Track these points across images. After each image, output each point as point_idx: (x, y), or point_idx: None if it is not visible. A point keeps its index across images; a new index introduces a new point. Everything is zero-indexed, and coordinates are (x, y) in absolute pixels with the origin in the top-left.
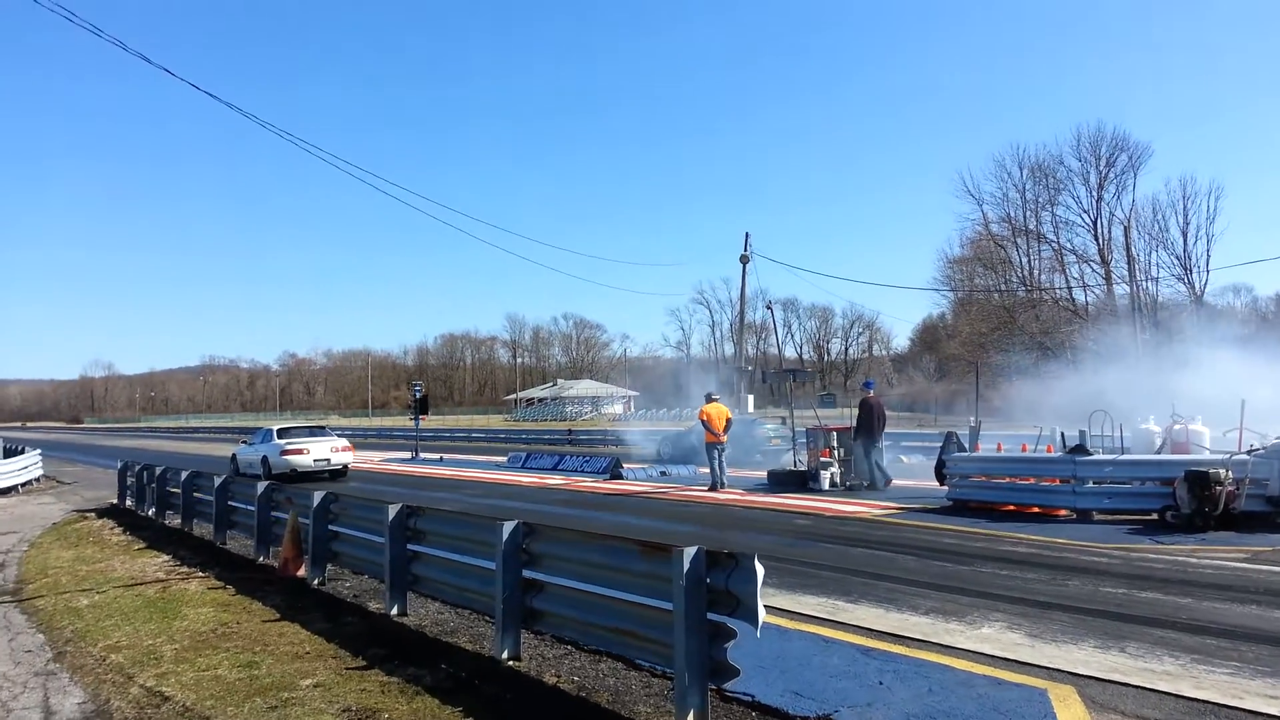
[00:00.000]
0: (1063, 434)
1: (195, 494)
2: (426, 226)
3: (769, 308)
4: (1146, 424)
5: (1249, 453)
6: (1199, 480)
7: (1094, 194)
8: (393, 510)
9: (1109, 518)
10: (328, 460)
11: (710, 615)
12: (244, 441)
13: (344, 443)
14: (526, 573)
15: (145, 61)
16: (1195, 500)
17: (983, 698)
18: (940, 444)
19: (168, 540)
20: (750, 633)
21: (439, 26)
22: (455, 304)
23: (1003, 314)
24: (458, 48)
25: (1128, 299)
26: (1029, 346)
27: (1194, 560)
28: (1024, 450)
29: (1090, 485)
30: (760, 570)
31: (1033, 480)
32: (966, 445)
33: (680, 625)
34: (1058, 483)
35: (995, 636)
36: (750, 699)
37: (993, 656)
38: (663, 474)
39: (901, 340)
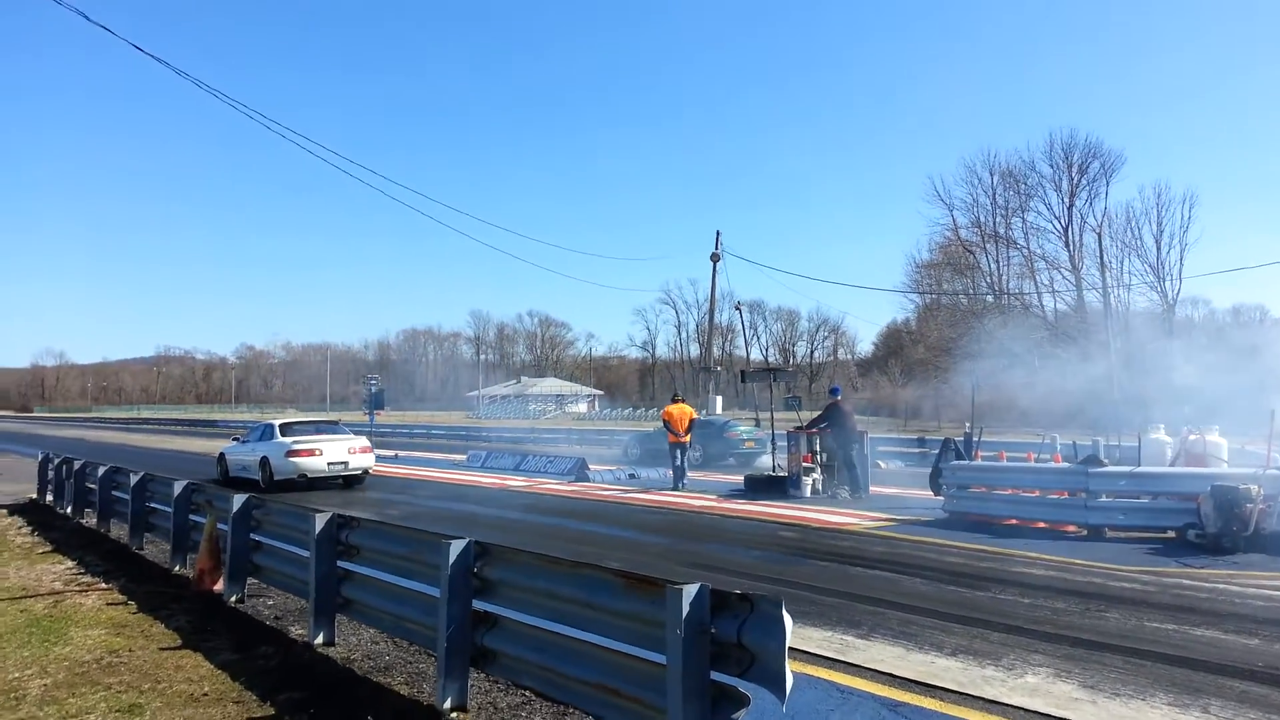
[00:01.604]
0: (1075, 443)
1: (113, 491)
2: (392, 215)
3: (738, 309)
4: (1156, 433)
5: None
6: (1228, 497)
7: (1066, 200)
8: (320, 520)
9: (1121, 535)
10: (345, 464)
11: (715, 675)
12: (234, 438)
13: (362, 441)
14: (478, 603)
15: (106, 31)
16: (1222, 519)
17: None
18: (937, 451)
19: (78, 543)
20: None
21: (410, 15)
22: (419, 299)
23: (971, 320)
24: (431, 37)
25: (1100, 306)
26: (997, 353)
27: (1236, 589)
28: (1029, 460)
29: (1103, 499)
30: (789, 622)
31: (1038, 493)
32: (964, 453)
33: (676, 686)
34: (1066, 495)
35: (1045, 688)
36: None
37: (1049, 716)
38: (631, 476)
39: (866, 345)
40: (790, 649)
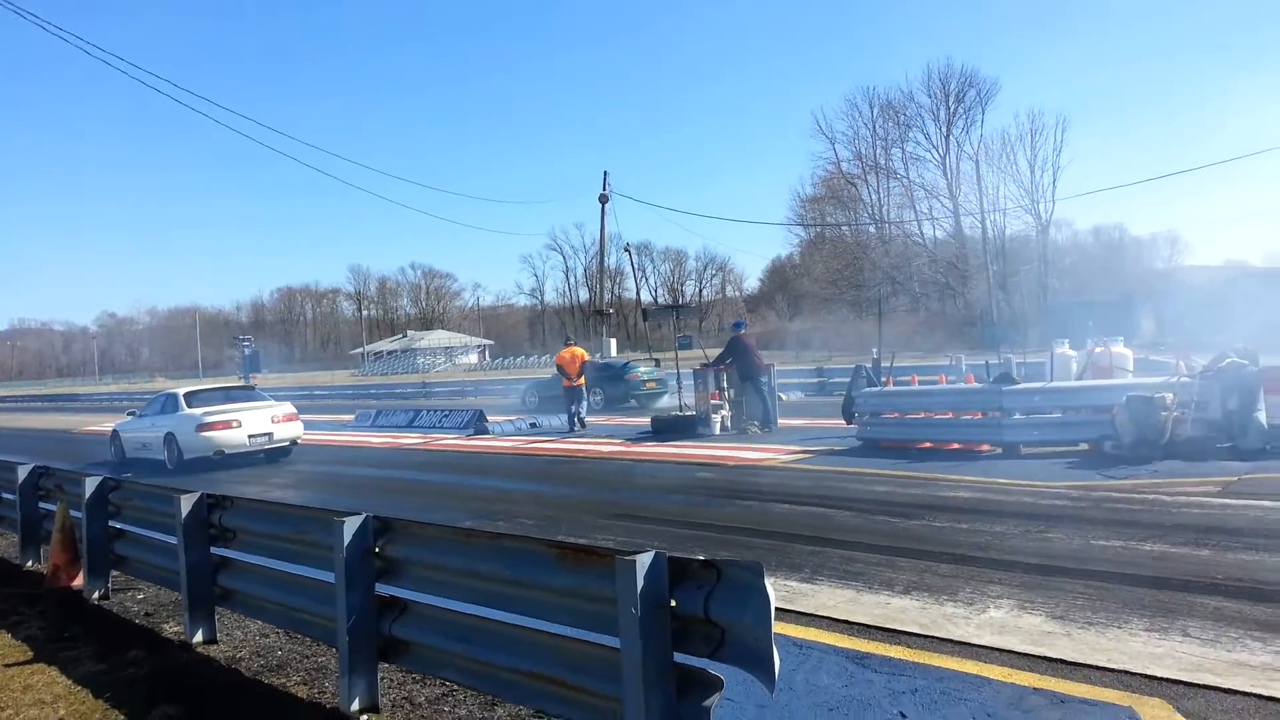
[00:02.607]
0: (988, 363)
1: None
2: (258, 165)
3: (627, 250)
4: (1060, 348)
5: (1195, 375)
6: (1143, 407)
7: (943, 130)
8: (186, 502)
9: (1036, 451)
10: (268, 435)
11: (679, 657)
12: (130, 413)
13: (285, 407)
14: (383, 588)
15: None
16: (1138, 429)
17: None
18: (848, 379)
19: None
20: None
21: None
22: (293, 256)
23: (855, 250)
24: None
25: (978, 233)
26: (880, 282)
27: (1167, 498)
28: (941, 382)
29: (1017, 417)
30: (771, 591)
31: (952, 414)
32: (875, 380)
33: (634, 672)
34: (980, 416)
35: (1012, 623)
36: None
37: (1027, 655)
38: (533, 425)
39: (753, 281)
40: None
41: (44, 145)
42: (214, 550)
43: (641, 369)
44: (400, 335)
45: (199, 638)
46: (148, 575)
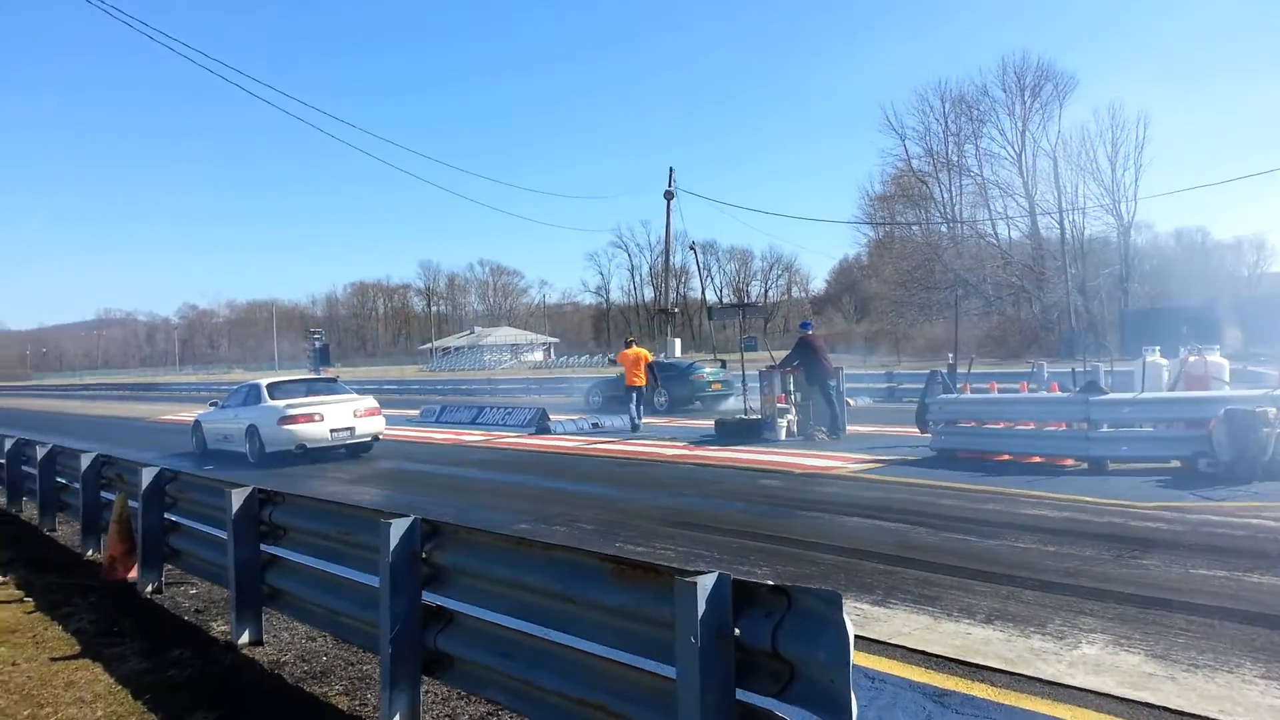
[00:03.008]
0: (1074, 370)
1: (23, 466)
2: (334, 162)
3: (693, 249)
4: (1151, 356)
5: None
6: (1243, 422)
7: (1019, 125)
8: (237, 497)
9: (1124, 467)
10: (350, 430)
11: (741, 694)
12: (212, 404)
13: (368, 402)
14: (428, 596)
15: None
16: (1237, 446)
17: None
18: (923, 385)
19: None
20: None
21: None
22: (366, 251)
23: (926, 250)
24: None
25: (1055, 233)
26: (952, 284)
27: (1272, 523)
28: (1023, 390)
29: (1104, 430)
30: (849, 626)
31: (1033, 425)
32: (952, 386)
33: (691, 707)
34: (1064, 427)
35: (1108, 661)
36: None
37: (1127, 701)
38: (595, 425)
39: (819, 283)
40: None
41: (129, 139)
42: (263, 548)
43: (707, 370)
44: (468, 331)
45: (245, 639)
46: (199, 570)
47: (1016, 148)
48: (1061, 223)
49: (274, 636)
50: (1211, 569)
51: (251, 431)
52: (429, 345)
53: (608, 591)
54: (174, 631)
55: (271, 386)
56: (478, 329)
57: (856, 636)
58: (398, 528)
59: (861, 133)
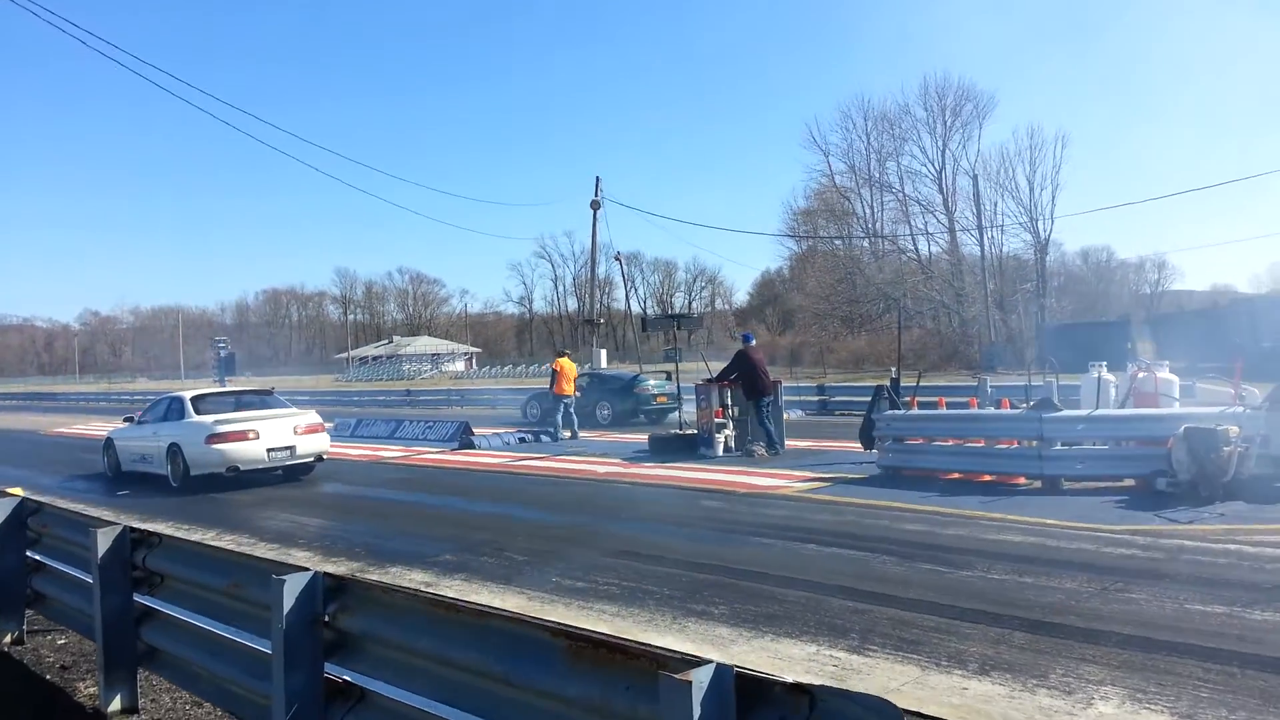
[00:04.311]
0: (1027, 385)
1: None
2: (245, 161)
3: (618, 259)
4: (1097, 371)
5: (1258, 405)
6: (1204, 440)
7: (940, 143)
8: (105, 537)
9: (1079, 486)
10: (291, 449)
11: None
12: (126, 420)
13: (311, 417)
14: (333, 669)
15: None
16: (1198, 464)
17: None
18: (870, 399)
19: None
20: None
21: None
22: (280, 257)
23: (848, 264)
24: None
25: (974, 250)
26: (874, 298)
27: (1250, 548)
28: (973, 405)
29: (1058, 448)
30: None
31: (983, 442)
32: (898, 401)
33: None
34: (1015, 444)
35: None
36: None
37: None
38: (521, 440)
39: (742, 295)
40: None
41: (28, 137)
42: (137, 598)
43: (651, 382)
44: (386, 341)
45: (116, 705)
46: (67, 620)
47: (937, 165)
48: (981, 240)
49: (152, 700)
50: (1208, 604)
51: (174, 451)
52: (345, 355)
53: (562, 677)
54: (33, 693)
55: (197, 399)
56: (396, 338)
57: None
58: (293, 585)
59: (786, 148)
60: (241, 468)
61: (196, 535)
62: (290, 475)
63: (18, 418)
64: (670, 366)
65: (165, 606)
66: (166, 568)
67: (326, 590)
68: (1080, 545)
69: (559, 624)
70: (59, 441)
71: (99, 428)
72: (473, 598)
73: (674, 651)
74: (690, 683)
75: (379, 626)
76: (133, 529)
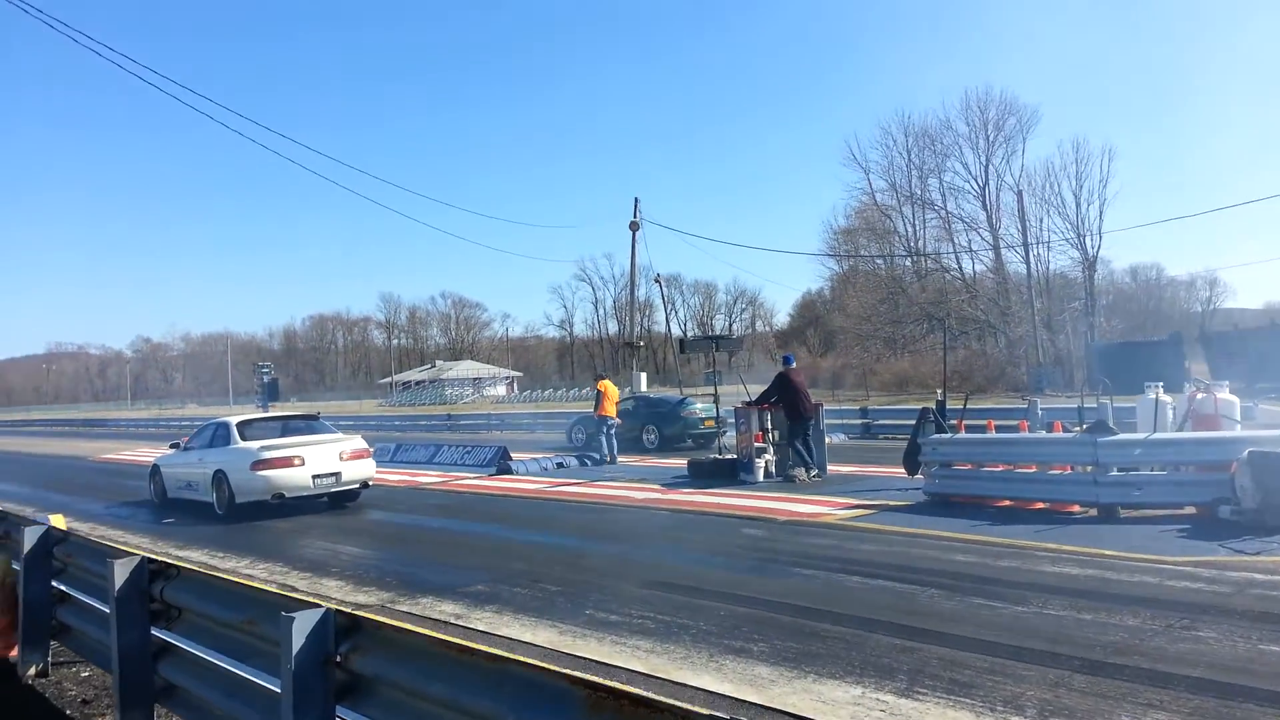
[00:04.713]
0: (1080, 407)
1: None
2: (293, 189)
3: (658, 281)
4: (1154, 392)
5: None
6: (1271, 464)
7: (982, 159)
8: (123, 568)
9: (1136, 514)
10: (336, 475)
11: None
12: (173, 446)
13: (357, 443)
14: (344, 712)
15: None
16: (1263, 491)
17: None
18: (915, 421)
19: None
20: None
21: None
22: (326, 283)
23: (891, 284)
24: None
25: (1020, 268)
26: (917, 318)
27: None
28: (1023, 429)
29: (1114, 473)
30: None
31: (1035, 468)
32: (944, 424)
33: None
34: (1069, 470)
35: None
36: None
37: None
38: (560, 465)
39: (783, 316)
40: None
41: (82, 169)
42: (155, 631)
43: (698, 405)
44: (429, 365)
45: None
46: (90, 652)
47: (980, 181)
48: (1027, 257)
49: None
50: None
51: (219, 478)
52: (389, 379)
53: None
54: None
55: (243, 425)
56: (439, 362)
57: None
58: (303, 622)
59: (826, 165)
60: (287, 495)
61: (229, 564)
62: (335, 502)
63: (69, 444)
64: (690, 390)
65: (183, 641)
66: (184, 600)
67: (339, 629)
68: (1141, 578)
69: (576, 674)
70: (106, 468)
71: (147, 454)
72: (504, 631)
73: (701, 707)
74: None
75: (392, 669)
76: (151, 559)
